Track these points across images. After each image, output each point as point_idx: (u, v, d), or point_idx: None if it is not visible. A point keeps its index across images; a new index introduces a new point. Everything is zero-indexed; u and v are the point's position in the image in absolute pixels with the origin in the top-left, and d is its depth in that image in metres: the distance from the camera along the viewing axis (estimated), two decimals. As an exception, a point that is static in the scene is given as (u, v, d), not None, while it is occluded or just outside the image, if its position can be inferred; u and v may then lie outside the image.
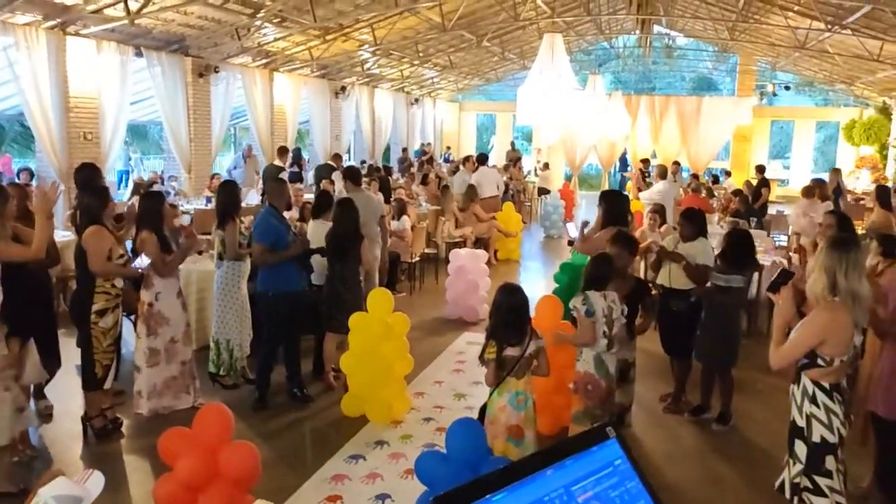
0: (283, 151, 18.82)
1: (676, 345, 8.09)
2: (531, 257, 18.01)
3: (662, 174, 15.50)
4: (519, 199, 22.79)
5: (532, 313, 5.72)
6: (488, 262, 12.64)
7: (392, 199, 14.84)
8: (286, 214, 8.34)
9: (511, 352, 5.43)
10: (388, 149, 30.34)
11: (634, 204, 14.99)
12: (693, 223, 7.87)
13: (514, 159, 27.75)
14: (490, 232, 16.47)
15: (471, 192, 16.48)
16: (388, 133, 29.17)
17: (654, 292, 8.08)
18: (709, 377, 7.88)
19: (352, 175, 10.89)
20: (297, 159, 20.70)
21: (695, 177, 22.43)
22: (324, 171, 17.27)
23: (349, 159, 27.34)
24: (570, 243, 8.99)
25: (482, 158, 19.19)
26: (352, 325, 7.49)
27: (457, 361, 9.66)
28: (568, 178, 30.28)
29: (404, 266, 14.02)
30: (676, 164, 22.19)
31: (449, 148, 35.28)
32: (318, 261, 8.41)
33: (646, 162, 23.53)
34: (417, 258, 14.09)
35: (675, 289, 7.86)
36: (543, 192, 25.61)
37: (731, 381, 7.74)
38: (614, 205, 7.79)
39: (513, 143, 34.15)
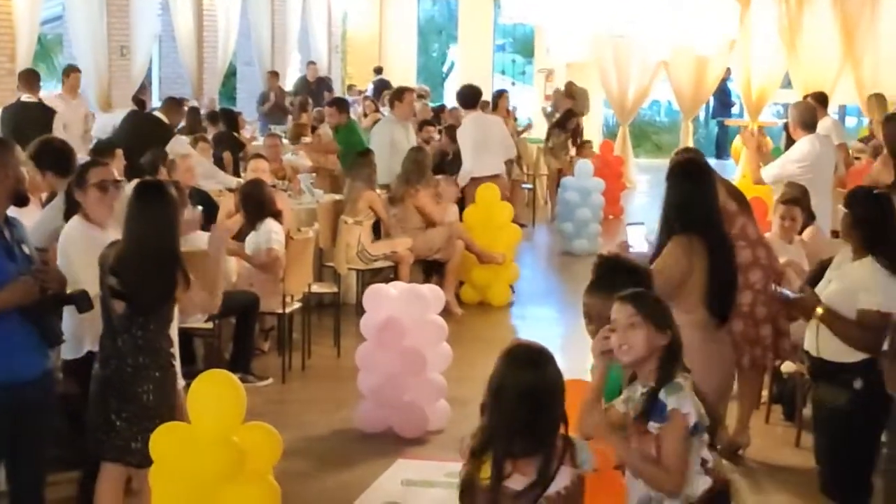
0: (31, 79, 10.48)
1: (837, 477, 4.71)
2: (536, 300, 10.34)
3: (807, 122, 8.21)
4: (511, 174, 12.84)
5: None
6: (446, 311, 7.22)
7: (241, 182, 8.82)
8: (18, 212, 4.52)
9: (518, 482, 3.08)
10: (232, 73, 18.31)
11: (745, 184, 8.66)
12: (871, 223, 4.60)
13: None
14: (450, 248, 9.30)
15: (413, 164, 9.52)
16: (232, 43, 16.98)
17: (795, 367, 5.86)
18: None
19: (49, 157, 5.88)
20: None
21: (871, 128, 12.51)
22: None
23: (156, 99, 15.00)
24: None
25: (469, 95, 11.18)
26: (158, 450, 4.27)
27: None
28: (611, 133, 19.04)
29: (269, 323, 8.07)
30: (820, 100, 10.54)
31: (379, 71, 19.66)
32: (80, 315, 4.67)
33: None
34: (297, 304, 7.80)
35: (830, 361, 4.66)
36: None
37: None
38: (687, 189, 4.56)
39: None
